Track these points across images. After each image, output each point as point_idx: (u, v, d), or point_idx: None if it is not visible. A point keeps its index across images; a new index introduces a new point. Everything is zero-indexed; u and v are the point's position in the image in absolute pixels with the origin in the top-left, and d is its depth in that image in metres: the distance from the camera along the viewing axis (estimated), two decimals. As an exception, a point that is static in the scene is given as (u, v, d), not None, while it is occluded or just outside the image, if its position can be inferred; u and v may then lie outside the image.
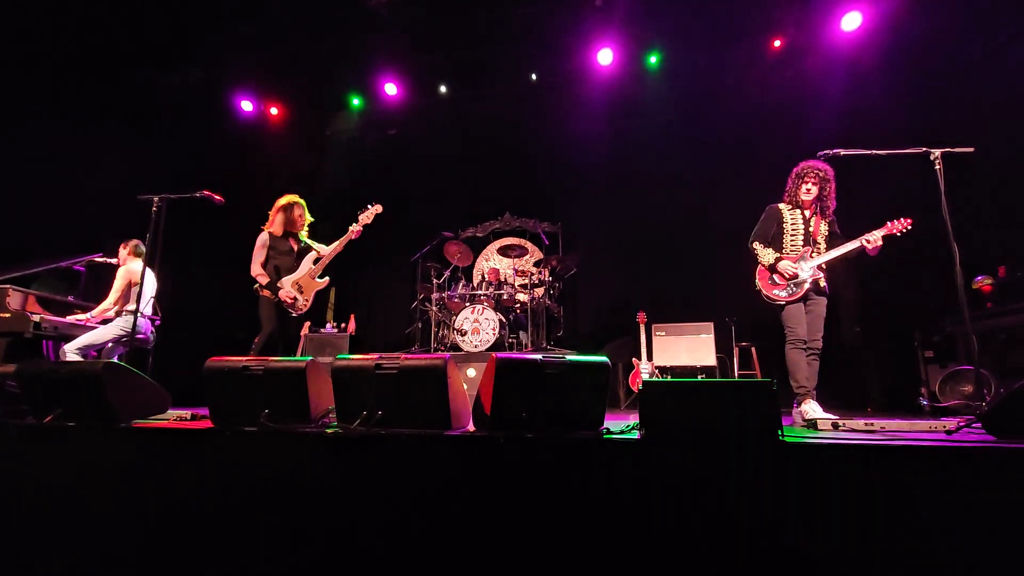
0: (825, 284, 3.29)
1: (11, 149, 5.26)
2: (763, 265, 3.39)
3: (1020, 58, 4.79)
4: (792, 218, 3.40)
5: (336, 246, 3.95)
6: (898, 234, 3.12)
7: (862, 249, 3.15)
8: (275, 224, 3.97)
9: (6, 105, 5.28)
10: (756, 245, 3.45)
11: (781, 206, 3.47)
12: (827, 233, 3.37)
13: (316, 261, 3.98)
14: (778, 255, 3.34)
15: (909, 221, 3.09)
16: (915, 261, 4.87)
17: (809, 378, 3.15)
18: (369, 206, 3.98)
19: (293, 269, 3.94)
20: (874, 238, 3.11)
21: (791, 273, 3.24)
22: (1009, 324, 4.26)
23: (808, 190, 3.31)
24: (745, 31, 5.94)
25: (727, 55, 6.14)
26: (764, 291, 3.38)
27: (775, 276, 3.32)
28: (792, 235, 3.38)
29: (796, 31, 5.87)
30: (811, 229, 3.35)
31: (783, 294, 3.28)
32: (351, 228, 3.92)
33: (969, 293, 4.47)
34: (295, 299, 3.87)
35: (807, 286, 3.23)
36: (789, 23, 5.83)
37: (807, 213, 3.39)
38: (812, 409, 3.02)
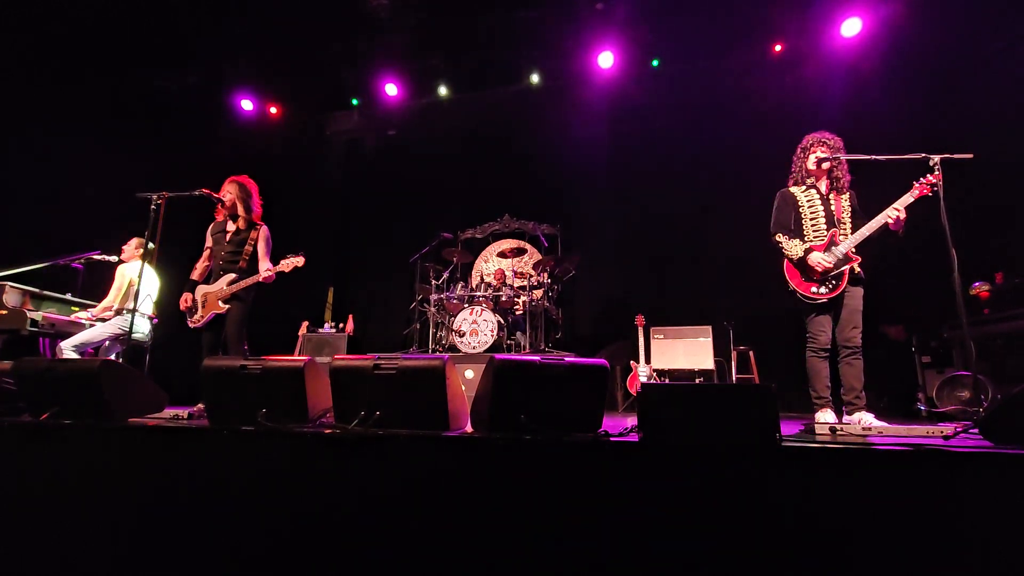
0: (860, 270, 2.92)
1: (10, 148, 5.25)
2: (790, 260, 3.01)
3: (1019, 64, 4.82)
4: (809, 199, 3.03)
5: (248, 280, 3.49)
6: (929, 194, 2.76)
7: (886, 227, 2.80)
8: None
9: (6, 105, 5.27)
10: (780, 237, 3.05)
11: (793, 188, 3.13)
12: (850, 210, 3.01)
13: (232, 283, 3.51)
14: (807, 246, 2.95)
15: (938, 176, 2.71)
16: (913, 266, 4.88)
17: (853, 383, 2.83)
18: (292, 256, 3.51)
19: (227, 257, 3.60)
20: (903, 206, 2.76)
21: (824, 267, 2.86)
22: (1006, 330, 4.27)
23: (818, 160, 3.00)
24: (746, 36, 5.96)
25: (727, 59, 6.16)
26: (800, 291, 2.96)
27: (808, 271, 2.94)
28: (813, 219, 3.00)
29: (796, 36, 5.91)
30: (832, 208, 2.99)
31: (824, 291, 2.88)
32: (268, 268, 3.49)
33: (967, 299, 4.51)
34: (189, 308, 3.57)
35: (846, 276, 2.86)
36: (789, 28, 5.86)
37: (823, 190, 3.04)
38: (824, 417, 2.83)
